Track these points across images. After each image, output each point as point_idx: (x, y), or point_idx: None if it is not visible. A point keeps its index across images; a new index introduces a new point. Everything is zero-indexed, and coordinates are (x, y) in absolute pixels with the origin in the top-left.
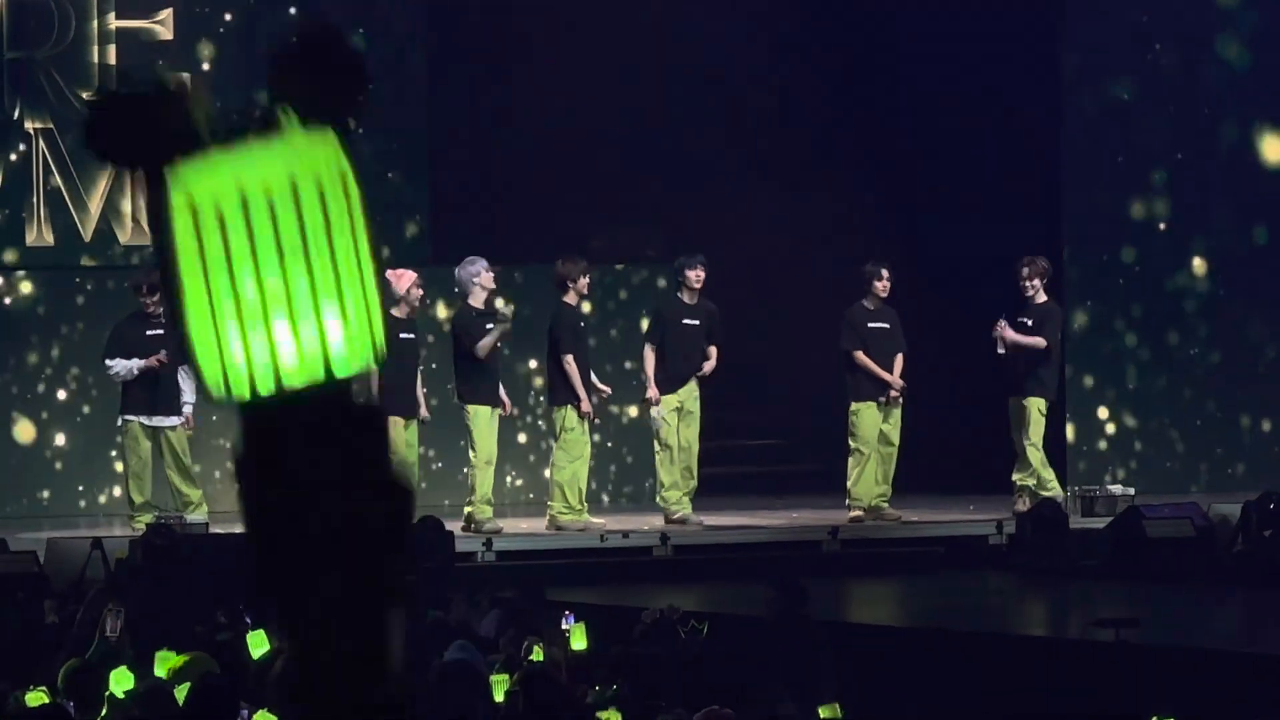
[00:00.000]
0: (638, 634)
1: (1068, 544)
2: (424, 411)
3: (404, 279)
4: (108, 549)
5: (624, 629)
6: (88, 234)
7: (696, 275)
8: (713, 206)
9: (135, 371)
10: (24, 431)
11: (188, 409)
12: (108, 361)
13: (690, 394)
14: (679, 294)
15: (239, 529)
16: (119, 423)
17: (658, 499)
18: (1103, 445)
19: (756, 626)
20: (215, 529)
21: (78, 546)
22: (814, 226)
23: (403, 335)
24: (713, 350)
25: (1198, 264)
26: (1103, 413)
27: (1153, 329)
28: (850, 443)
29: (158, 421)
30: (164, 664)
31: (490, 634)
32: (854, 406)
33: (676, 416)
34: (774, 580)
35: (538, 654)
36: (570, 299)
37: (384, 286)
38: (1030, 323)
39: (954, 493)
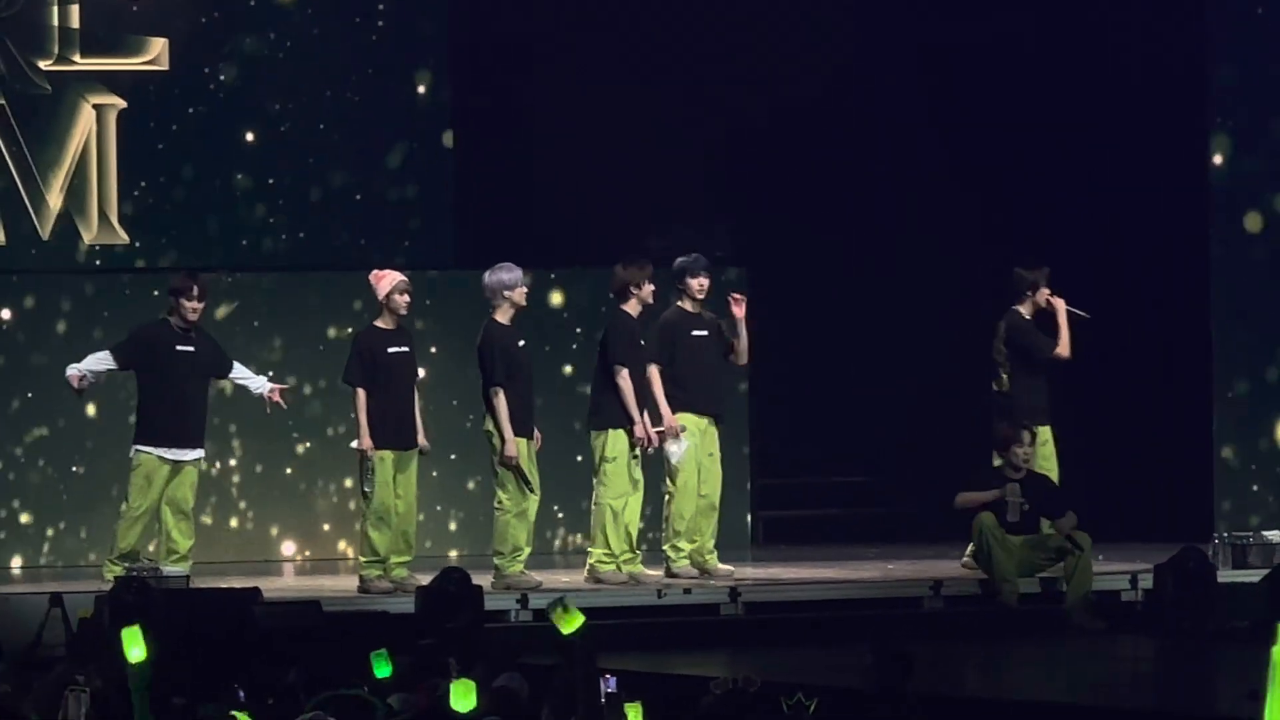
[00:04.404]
0: (704, 710)
1: (1216, 601)
2: (423, 441)
3: (384, 281)
4: (69, 606)
5: (687, 705)
6: (46, 232)
7: (700, 284)
8: (787, 205)
9: (77, 382)
10: None
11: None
12: (88, 359)
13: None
14: (680, 303)
15: (226, 584)
16: (131, 454)
17: (666, 547)
18: (1256, 486)
19: (848, 701)
20: (197, 583)
21: (32, 603)
22: (898, 225)
23: (391, 350)
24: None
25: None
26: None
27: None
28: None
29: (180, 455)
30: None
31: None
32: None
33: (697, 446)
34: (873, 645)
35: None
36: (631, 307)
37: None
38: (1037, 506)
39: None
